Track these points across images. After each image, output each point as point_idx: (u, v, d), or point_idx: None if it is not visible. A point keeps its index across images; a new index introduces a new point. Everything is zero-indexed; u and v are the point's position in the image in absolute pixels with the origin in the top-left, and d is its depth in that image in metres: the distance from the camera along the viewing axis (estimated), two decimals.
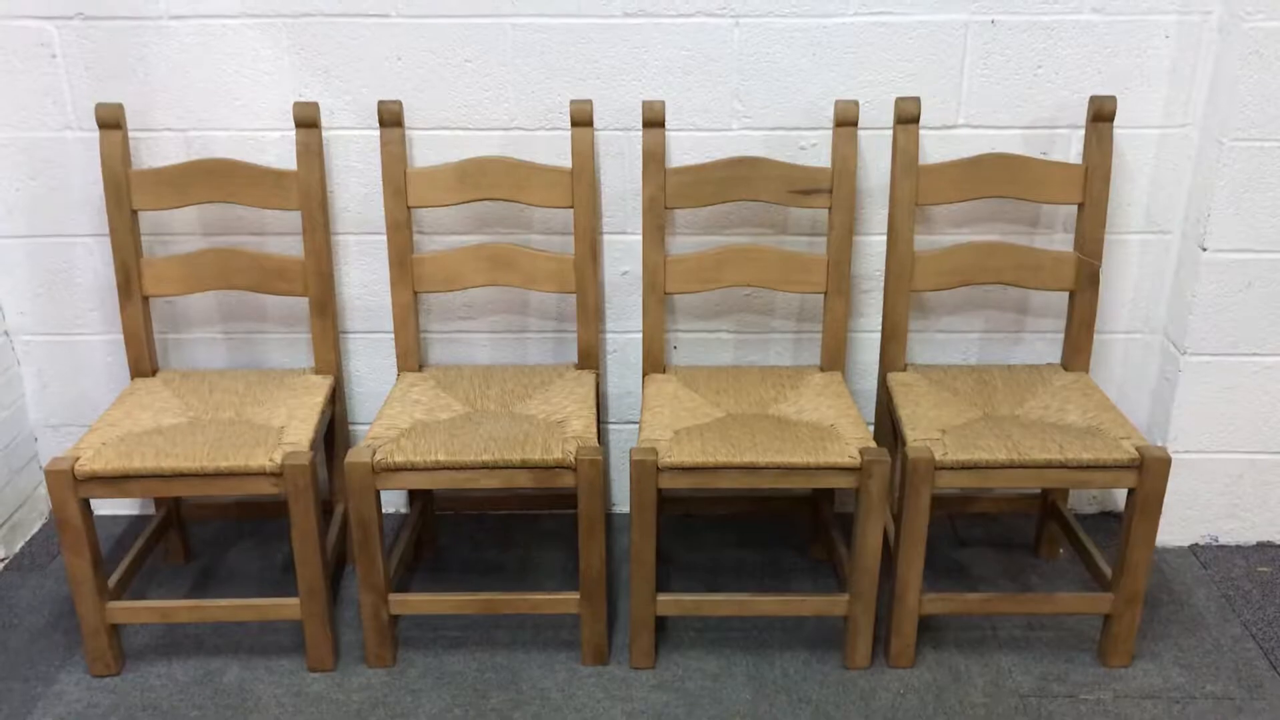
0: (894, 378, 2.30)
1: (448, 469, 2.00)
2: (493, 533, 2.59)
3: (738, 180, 2.23)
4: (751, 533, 2.59)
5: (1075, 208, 2.26)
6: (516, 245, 2.28)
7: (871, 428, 2.42)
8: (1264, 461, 2.46)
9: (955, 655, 2.19)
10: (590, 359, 2.33)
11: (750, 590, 2.38)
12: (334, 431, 2.36)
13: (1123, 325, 2.47)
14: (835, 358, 2.32)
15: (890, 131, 2.27)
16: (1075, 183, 2.21)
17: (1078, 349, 2.30)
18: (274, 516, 2.51)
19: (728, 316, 2.48)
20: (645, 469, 1.99)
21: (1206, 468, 2.47)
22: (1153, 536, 2.04)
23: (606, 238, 2.40)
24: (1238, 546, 2.54)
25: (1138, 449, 2.00)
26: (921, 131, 2.28)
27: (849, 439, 2.05)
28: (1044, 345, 2.49)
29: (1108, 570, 2.16)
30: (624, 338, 2.48)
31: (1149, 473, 1.99)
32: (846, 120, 2.18)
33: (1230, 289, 2.31)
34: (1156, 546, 2.53)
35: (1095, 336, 2.39)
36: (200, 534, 2.58)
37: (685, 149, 2.32)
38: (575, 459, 2.00)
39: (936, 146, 2.31)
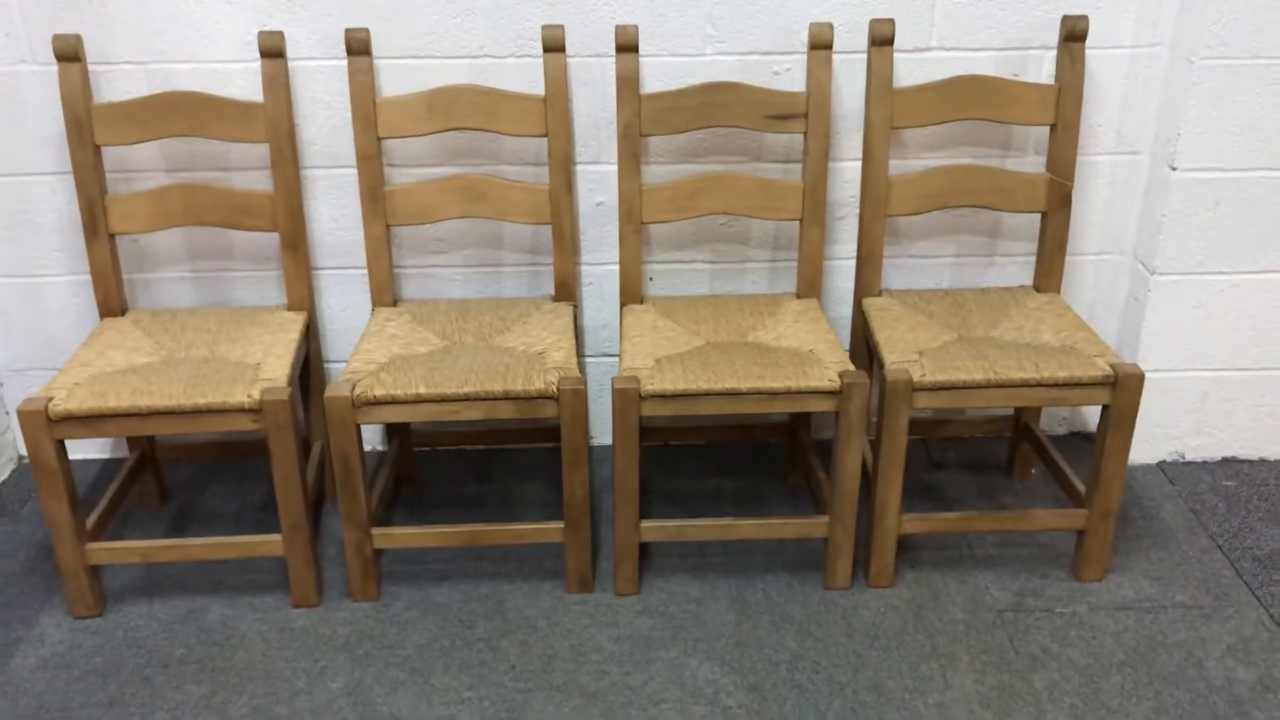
0: (870, 303, 2.31)
1: (429, 401, 1.99)
2: (472, 468, 2.59)
3: (713, 106, 2.21)
4: (729, 461, 2.61)
5: (1047, 130, 2.27)
6: (489, 176, 2.25)
7: (848, 353, 2.43)
8: (1229, 378, 2.50)
9: (933, 574, 2.23)
10: (567, 291, 2.32)
11: (732, 515, 2.41)
12: (309, 369, 2.34)
13: (1093, 247, 2.49)
14: (811, 285, 2.32)
15: (864, 55, 2.26)
16: (1048, 103, 2.22)
17: (1050, 271, 2.33)
18: (249, 456, 2.48)
19: (703, 246, 2.48)
20: (628, 397, 1.99)
21: (1174, 386, 2.51)
22: (1126, 452, 2.08)
23: (580, 168, 2.38)
24: (1204, 462, 2.60)
25: (1112, 366, 2.03)
26: (895, 55, 2.27)
27: (828, 363, 2.06)
28: (1016, 268, 2.51)
29: (1081, 487, 2.20)
30: (600, 269, 2.47)
31: (1123, 388, 2.02)
32: (821, 43, 2.17)
33: (1198, 208, 2.34)
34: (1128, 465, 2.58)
35: (1066, 259, 2.42)
36: (176, 475, 2.55)
37: (658, 75, 2.30)
38: (558, 389, 1.99)
39: (910, 70, 2.30)
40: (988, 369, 2.03)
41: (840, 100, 2.33)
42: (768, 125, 2.22)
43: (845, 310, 2.50)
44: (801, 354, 2.11)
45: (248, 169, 2.33)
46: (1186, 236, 2.36)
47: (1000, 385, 2.02)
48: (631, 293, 2.31)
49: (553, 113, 2.18)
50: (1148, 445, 2.58)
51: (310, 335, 2.31)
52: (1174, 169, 2.30)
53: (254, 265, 2.44)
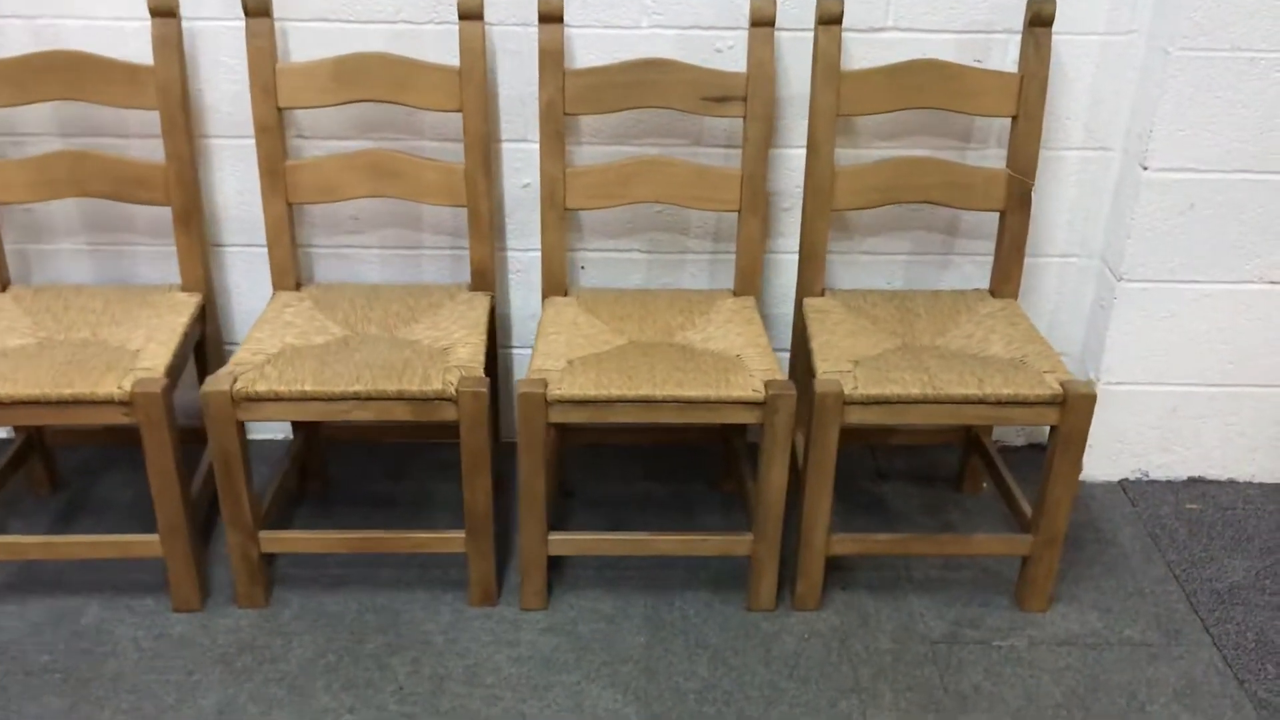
0: (810, 304, 2.14)
1: (316, 400, 1.83)
2: (386, 462, 2.43)
3: (645, 85, 2.03)
4: (660, 463, 2.45)
5: (1009, 121, 2.09)
6: (401, 152, 2.08)
7: (788, 356, 2.27)
8: (1198, 394, 2.34)
9: (865, 597, 2.08)
10: (485, 279, 2.15)
11: (656, 525, 2.25)
12: (206, 354, 2.18)
13: (1057, 248, 2.32)
14: (749, 282, 2.15)
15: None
16: (1010, 93, 2.04)
17: (1007, 275, 2.15)
18: None
19: (639, 235, 2.30)
20: (532, 402, 1.83)
21: (1139, 400, 2.35)
22: (1075, 476, 1.92)
23: (506, 146, 2.20)
24: (1169, 482, 2.44)
25: (1061, 384, 1.86)
26: (846, 34, 2.09)
27: (754, 370, 1.90)
28: (973, 268, 2.34)
29: (1028, 509, 2.04)
30: (528, 255, 2.30)
31: (1072, 409, 1.86)
32: (762, 20, 1.98)
33: (1171, 211, 2.16)
34: (1084, 481, 2.42)
35: (1028, 260, 2.26)
36: (68, 461, 2.40)
37: (590, 48, 2.12)
38: (456, 390, 1.83)
39: (863, 51, 2.12)
40: (926, 382, 1.86)
41: (788, 82, 2.15)
42: (704, 108, 2.04)
43: (790, 309, 2.33)
44: (728, 359, 1.94)
45: (146, 137, 2.16)
46: (1157, 241, 2.19)
47: (939, 401, 1.86)
48: (554, 284, 2.15)
49: (468, 86, 2.00)
50: (1109, 462, 2.42)
51: (206, 317, 2.14)
52: (1145, 168, 2.12)
53: (156, 239, 2.28)
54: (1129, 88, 2.15)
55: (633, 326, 2.07)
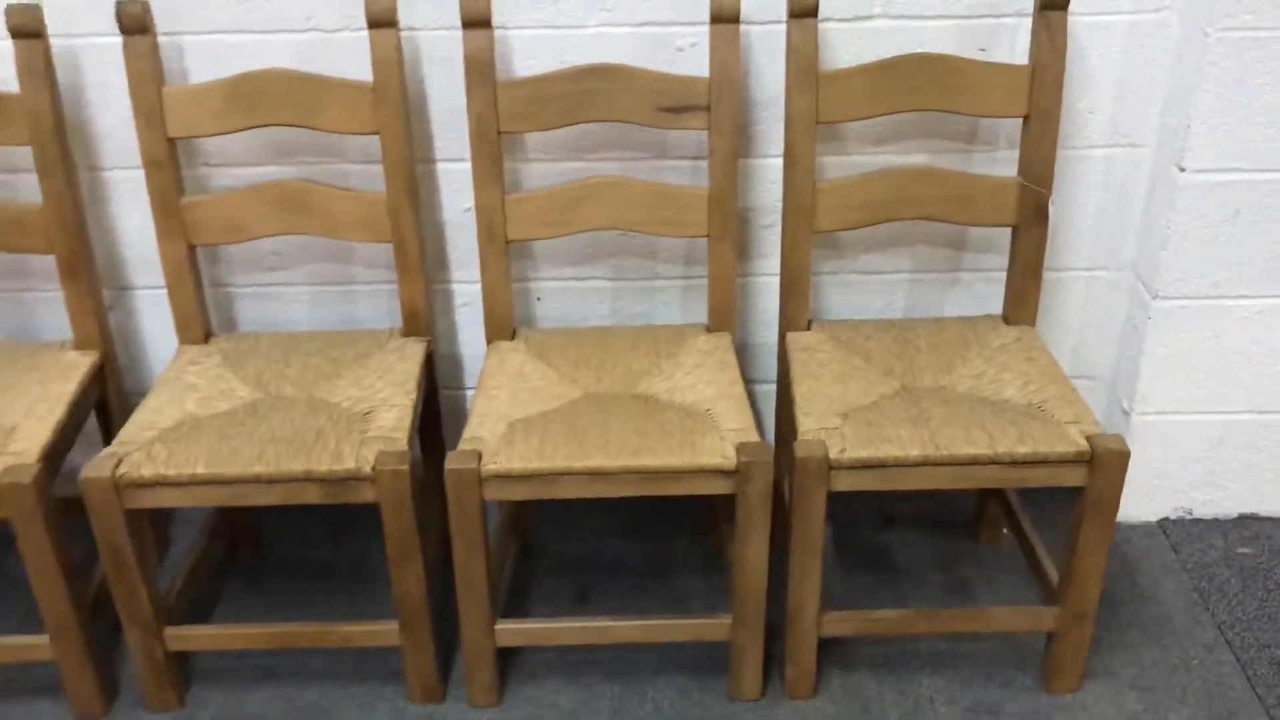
0: (794, 340, 1.85)
1: (212, 484, 1.57)
2: (327, 524, 2.17)
3: (591, 95, 1.74)
4: (637, 512, 2.17)
5: (1020, 121, 1.78)
6: (315, 182, 1.80)
7: (774, 396, 1.99)
8: (1249, 423, 2.03)
9: (867, 679, 1.80)
10: (418, 323, 1.87)
11: (629, 592, 1.98)
12: (110, 417, 1.92)
13: (1083, 261, 2.02)
14: (723, 316, 1.87)
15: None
16: (1019, 89, 1.73)
17: (1022, 299, 1.85)
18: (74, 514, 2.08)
19: (602, 261, 2.02)
20: (463, 480, 1.56)
21: (1181, 431, 2.05)
22: (1106, 543, 1.63)
23: (442, 166, 1.92)
24: (1215, 520, 2.14)
25: (1088, 438, 1.57)
26: (826, 25, 1.79)
27: (726, 429, 1.62)
28: (986, 287, 2.04)
29: (1054, 573, 1.76)
30: (475, 288, 2.02)
31: (1101, 469, 1.56)
32: (725, 15, 1.69)
33: (1213, 218, 1.86)
34: (1119, 523, 2.13)
35: (1049, 275, 1.96)
36: None
37: (532, 52, 1.83)
38: (374, 468, 1.56)
39: (847, 44, 1.82)
40: (928, 440, 1.58)
41: (764, 84, 1.86)
42: (661, 120, 1.75)
43: (775, 335, 2.04)
44: (697, 414, 1.66)
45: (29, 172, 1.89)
46: (1198, 253, 1.88)
47: (942, 463, 1.57)
48: (499, 326, 1.87)
49: (384, 105, 1.72)
50: (1147, 500, 2.12)
51: (108, 376, 1.88)
52: (1183, 169, 1.81)
53: (53, 285, 2.01)
54: (1162, 75, 1.84)
55: (589, 375, 1.79)
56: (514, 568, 2.05)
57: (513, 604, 1.96)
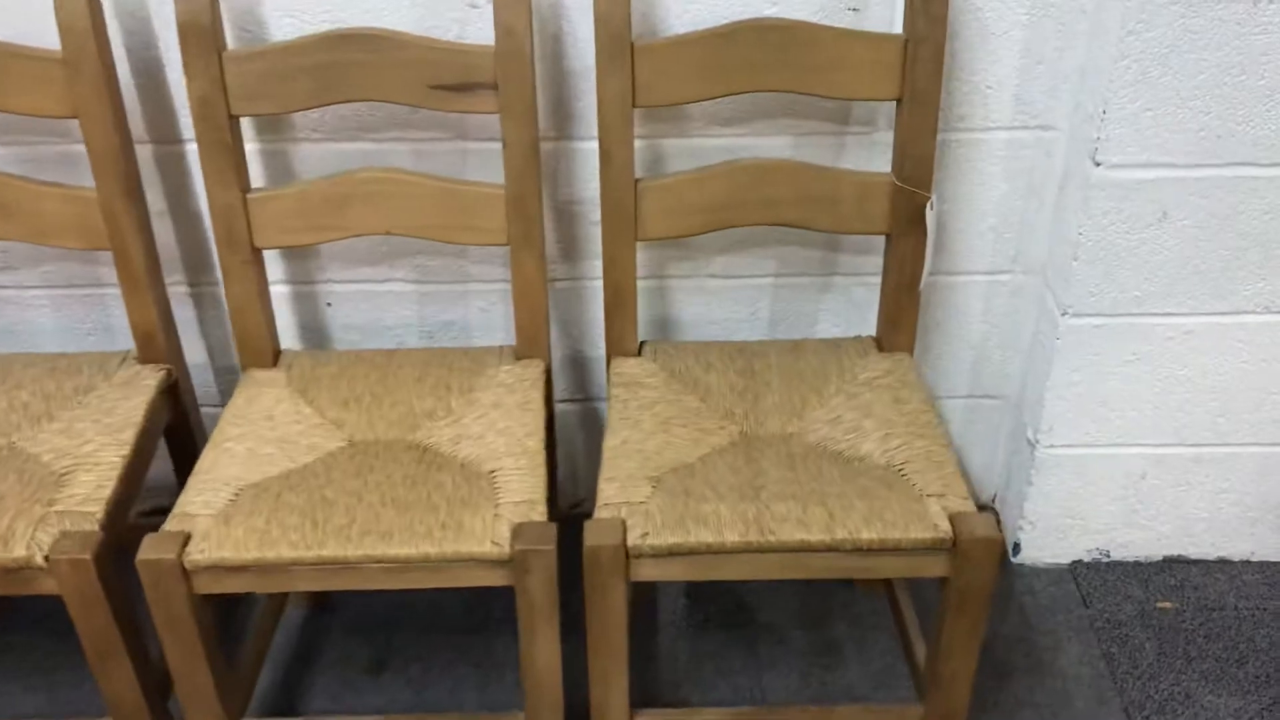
0: (619, 371, 1.51)
1: None
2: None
3: (347, 69, 1.37)
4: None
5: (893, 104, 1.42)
6: (12, 176, 1.44)
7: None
8: (1176, 457, 1.71)
9: None
10: (153, 347, 1.52)
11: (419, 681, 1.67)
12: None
13: (983, 263, 1.67)
14: (532, 340, 1.52)
15: None
16: (890, 65, 1.37)
17: (896, 322, 1.51)
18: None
19: (401, 261, 1.67)
20: (162, 573, 1.23)
21: (1097, 465, 1.73)
22: (976, 641, 1.32)
23: (192, 148, 1.56)
24: (1136, 564, 1.83)
25: (952, 519, 1.25)
26: None
27: (505, 501, 1.29)
28: (865, 293, 1.69)
29: (921, 653, 1.45)
30: (277, 290, 1.66)
31: (967, 559, 1.24)
32: None
33: (1135, 223, 1.51)
34: (1021, 565, 1.82)
35: (944, 279, 1.65)
36: None
37: (288, 10, 1.45)
38: (48, 557, 1.23)
39: (679, 8, 1.45)
40: (752, 520, 1.25)
41: (581, 50, 1.49)
42: (438, 100, 1.39)
43: None
44: (477, 478, 1.33)
45: None
46: (1115, 263, 1.54)
47: (768, 549, 1.25)
48: (253, 352, 1.52)
49: (80, 81, 1.35)
50: (1056, 540, 1.81)
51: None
52: (1098, 164, 1.46)
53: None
54: (1077, 44, 1.48)
55: (359, 417, 1.45)
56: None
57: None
